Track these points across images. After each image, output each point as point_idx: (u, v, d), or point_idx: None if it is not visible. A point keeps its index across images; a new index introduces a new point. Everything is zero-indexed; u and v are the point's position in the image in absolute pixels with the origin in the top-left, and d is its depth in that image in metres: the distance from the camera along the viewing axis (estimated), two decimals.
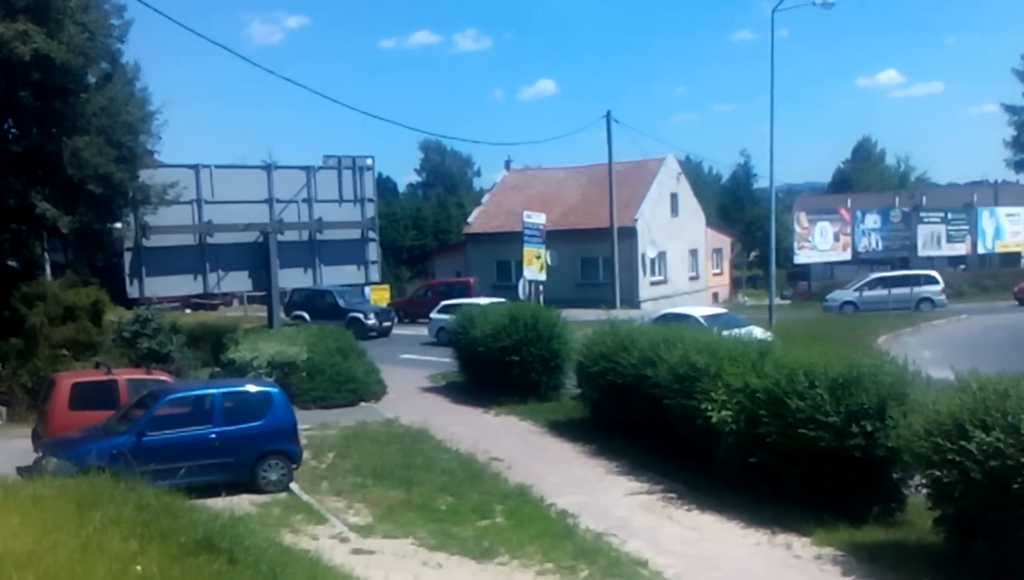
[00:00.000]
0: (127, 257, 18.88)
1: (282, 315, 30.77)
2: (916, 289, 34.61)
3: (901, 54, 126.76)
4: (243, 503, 11.44)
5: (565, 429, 15.95)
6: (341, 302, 30.01)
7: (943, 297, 34.53)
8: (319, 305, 29.99)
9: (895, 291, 34.60)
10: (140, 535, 7.24)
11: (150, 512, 8.25)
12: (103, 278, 20.94)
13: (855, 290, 34.80)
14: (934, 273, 36.11)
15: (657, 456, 13.49)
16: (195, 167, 19.65)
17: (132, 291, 19.04)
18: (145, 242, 18.77)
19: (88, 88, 17.71)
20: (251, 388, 13.25)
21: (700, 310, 23.44)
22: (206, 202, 19.49)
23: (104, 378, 13.93)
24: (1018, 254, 50.33)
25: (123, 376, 14.12)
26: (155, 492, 9.13)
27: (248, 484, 12.09)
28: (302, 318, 29.73)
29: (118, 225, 18.37)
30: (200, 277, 19.70)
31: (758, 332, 19.99)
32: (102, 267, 21.43)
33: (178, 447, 11.70)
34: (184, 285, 19.94)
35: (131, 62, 19.09)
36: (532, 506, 11.48)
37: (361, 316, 29.48)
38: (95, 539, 6.80)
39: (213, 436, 12.03)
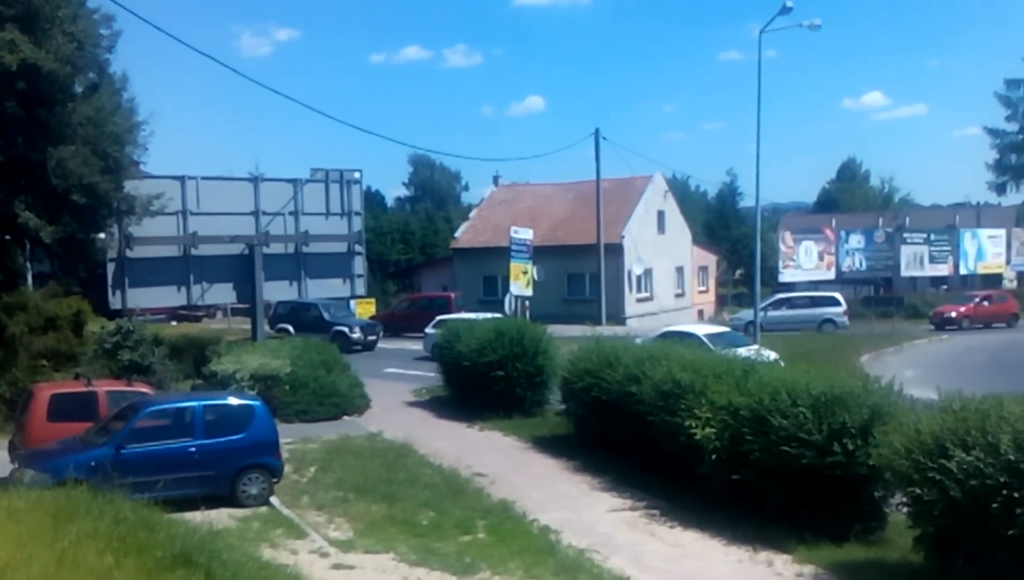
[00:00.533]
0: (110, 268, 18.74)
1: (266, 328, 30.59)
2: (819, 310, 34.76)
3: (886, 77, 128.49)
4: (222, 517, 11.34)
5: (549, 445, 15.92)
6: (326, 315, 29.84)
7: (845, 319, 34.64)
8: (304, 318, 29.81)
9: (799, 312, 34.91)
10: (116, 549, 7.17)
11: (127, 526, 8.17)
12: (86, 289, 20.78)
13: (760, 310, 34.50)
14: (837, 295, 36.34)
15: (641, 472, 13.49)
16: (181, 178, 19.57)
17: (115, 302, 18.88)
18: (129, 253, 18.64)
19: (75, 98, 17.62)
20: (233, 401, 13.16)
21: (703, 328, 23.18)
22: (191, 213, 19.39)
23: (83, 389, 13.78)
24: (999, 275, 50.90)
25: (103, 388, 13.95)
26: (132, 505, 9.05)
27: (228, 498, 11.98)
28: (286, 331, 29.43)
29: (102, 235, 18.24)
30: (184, 289, 19.56)
31: (765, 353, 19.97)
32: (85, 278, 21.27)
33: (157, 460, 11.58)
34: (168, 297, 19.79)
35: (119, 72, 19.02)
36: (515, 522, 11.45)
37: (346, 329, 29.33)
38: (70, 553, 6.72)
39: (193, 449, 11.93)
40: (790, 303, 35.97)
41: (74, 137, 17.01)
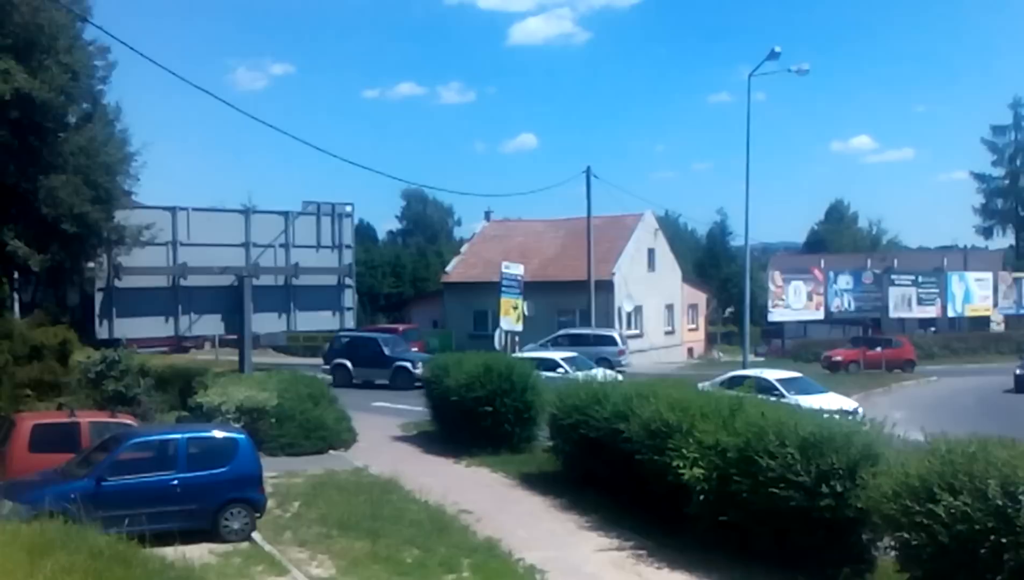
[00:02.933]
0: (98, 297, 18.63)
1: (322, 364, 29.55)
2: (597, 349, 33.32)
3: (874, 120, 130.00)
4: (203, 552, 11.20)
5: (536, 482, 15.79)
6: (387, 350, 29.07)
7: (620, 358, 33.70)
8: (363, 353, 28.91)
9: (580, 349, 32.82)
10: None
11: (103, 560, 8.06)
12: (73, 318, 20.63)
13: (541, 345, 33.67)
14: (615, 334, 35.21)
15: (628, 511, 13.38)
16: (172, 209, 19.55)
17: (101, 332, 18.73)
18: (117, 283, 18.56)
19: (68, 128, 17.69)
20: (217, 434, 13.01)
21: (775, 373, 22.81)
22: (181, 244, 19.32)
23: (66, 420, 13.64)
24: (987, 318, 51.19)
25: (86, 418, 13.82)
26: (109, 540, 8.93)
27: (209, 532, 11.80)
28: (343, 367, 28.63)
29: (90, 265, 18.17)
30: (172, 320, 19.43)
31: (842, 402, 20.51)
32: (72, 307, 21.14)
33: (138, 493, 11.41)
34: (155, 327, 19.64)
35: (112, 103, 19.11)
36: (500, 561, 11.30)
37: (408, 365, 28.40)
38: None
39: (175, 482, 11.77)
40: (571, 340, 34.36)
41: (66, 166, 17.04)
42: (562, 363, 24.79)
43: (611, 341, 33.96)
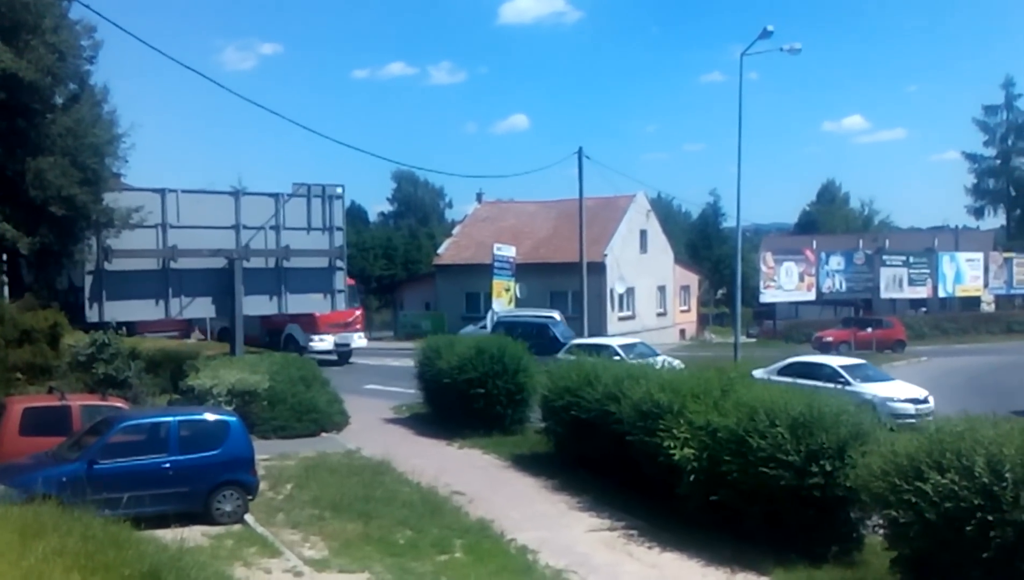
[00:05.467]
0: (88, 280, 18.55)
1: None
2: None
3: (866, 101, 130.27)
4: (195, 535, 11.16)
5: (528, 463, 15.85)
6: (557, 334, 28.11)
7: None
8: (529, 337, 25.92)
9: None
10: (84, 567, 7.05)
11: (95, 543, 8.04)
12: (64, 301, 20.52)
13: (480, 327, 32.09)
14: (556, 315, 32.11)
15: (620, 492, 13.46)
16: (161, 191, 19.44)
17: (92, 315, 18.65)
18: (107, 266, 18.47)
19: (55, 109, 17.51)
20: (209, 416, 12.99)
21: (839, 360, 21.58)
22: (171, 227, 19.24)
23: (57, 403, 13.55)
24: (977, 298, 51.47)
25: (77, 402, 13.74)
26: (101, 522, 8.90)
27: (202, 515, 11.79)
28: None
29: (80, 248, 18.06)
30: (162, 302, 19.39)
31: (911, 390, 19.67)
32: (62, 290, 21.02)
33: (130, 476, 11.39)
34: (145, 310, 19.56)
35: (100, 84, 18.94)
36: (492, 541, 11.36)
37: None
38: (37, 570, 6.59)
39: (167, 465, 11.75)
40: (508, 327, 32.82)
41: (53, 148, 16.89)
42: (618, 350, 23.31)
43: (553, 322, 31.51)
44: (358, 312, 30.93)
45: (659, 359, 20.17)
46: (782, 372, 20.34)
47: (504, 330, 28.21)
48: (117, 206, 17.89)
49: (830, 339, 37.07)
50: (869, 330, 37.03)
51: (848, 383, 19.26)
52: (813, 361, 21.49)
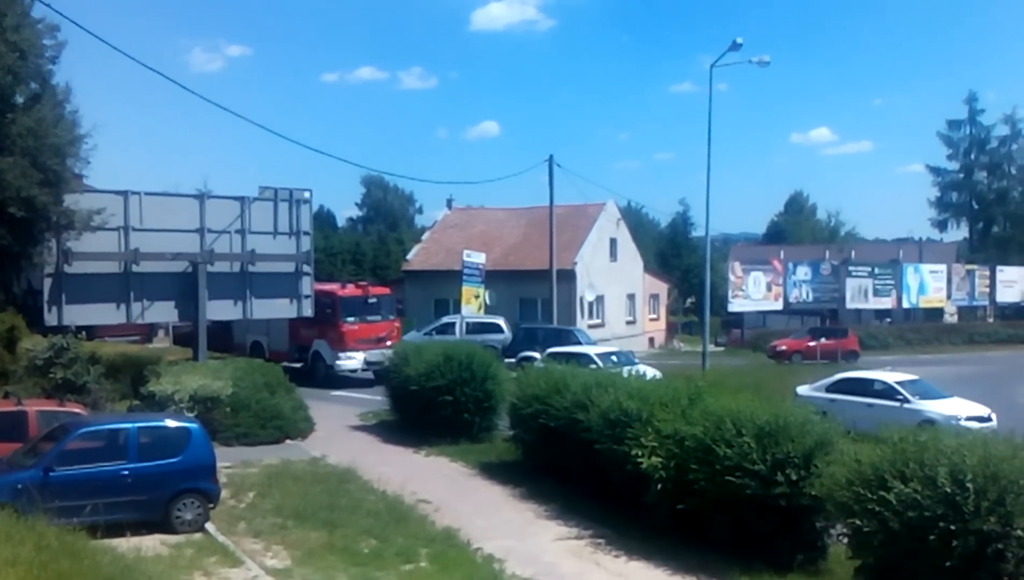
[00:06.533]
0: (47, 283, 18.14)
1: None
2: (483, 336, 29.71)
3: (833, 113, 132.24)
4: (155, 544, 11.00)
5: (496, 471, 15.77)
6: (583, 341, 27.78)
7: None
8: (556, 346, 25.98)
9: (467, 337, 30.00)
10: (37, 577, 6.91)
11: (49, 553, 7.86)
12: (21, 304, 20.05)
13: (425, 334, 31.45)
14: (501, 322, 32.51)
15: (588, 500, 13.44)
16: (124, 193, 19.07)
17: (50, 319, 18.23)
18: (67, 268, 18.09)
19: (15, 108, 17.08)
20: (169, 423, 12.76)
21: (894, 376, 20.01)
22: (134, 229, 18.87)
23: (13, 409, 13.29)
24: (941, 310, 52.33)
25: (33, 407, 13.49)
26: (56, 531, 8.71)
27: (161, 524, 11.59)
28: (529, 361, 23.88)
29: (39, 250, 17.65)
30: (123, 306, 19.00)
31: (973, 408, 18.39)
32: (20, 293, 20.53)
33: (88, 484, 11.16)
34: (106, 314, 19.14)
35: (62, 84, 18.49)
36: (458, 550, 11.27)
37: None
38: None
39: (126, 473, 11.52)
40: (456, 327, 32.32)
41: (13, 148, 16.48)
42: (596, 359, 22.75)
43: (498, 329, 31.93)
44: (395, 325, 27.95)
45: (640, 369, 19.35)
46: (831, 389, 19.47)
47: (525, 335, 29.16)
48: (78, 208, 17.51)
49: (784, 348, 37.43)
50: (822, 340, 37.39)
51: (907, 400, 18.37)
52: (864, 377, 20.37)
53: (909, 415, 16.64)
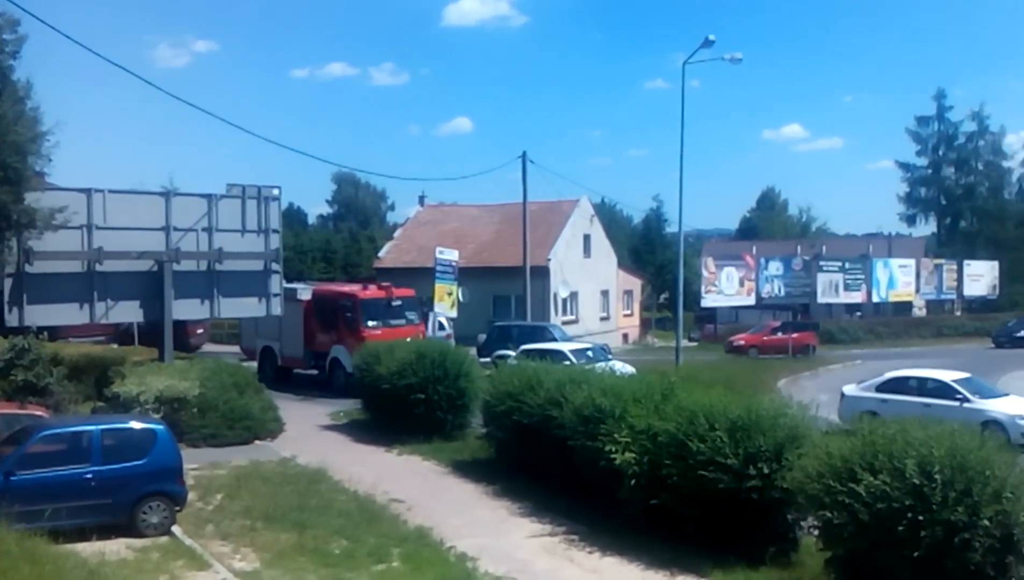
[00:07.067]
0: (7, 283, 17.74)
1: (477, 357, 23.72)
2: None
3: (804, 110, 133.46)
4: (120, 548, 10.81)
5: (469, 469, 15.67)
6: (557, 335, 27.29)
7: (450, 342, 30.17)
8: (530, 342, 25.53)
9: None
10: None
11: (9, 559, 7.75)
12: None
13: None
14: (443, 320, 30.97)
15: (561, 497, 13.40)
16: (87, 191, 18.70)
17: (11, 319, 17.82)
18: (28, 268, 17.71)
19: None
20: (134, 425, 12.51)
21: (948, 374, 18.96)
22: (97, 228, 18.50)
23: None
24: (909, 303, 53.08)
25: None
26: (17, 537, 8.56)
27: (127, 527, 11.37)
28: (503, 358, 23.05)
29: None
30: (87, 306, 18.64)
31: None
32: None
33: (50, 487, 10.92)
34: (69, 314, 18.75)
35: (23, 79, 18.09)
36: (431, 549, 11.17)
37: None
38: None
39: (89, 476, 11.30)
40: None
41: None
42: (569, 355, 22.23)
43: (440, 326, 30.73)
44: (421, 329, 25.69)
45: (613, 365, 19.29)
46: (881, 389, 18.66)
47: (502, 333, 28.68)
48: (40, 206, 17.13)
49: (742, 342, 37.73)
50: (778, 334, 37.68)
51: (966, 400, 17.53)
52: (917, 375, 19.33)
53: (971, 415, 15.79)
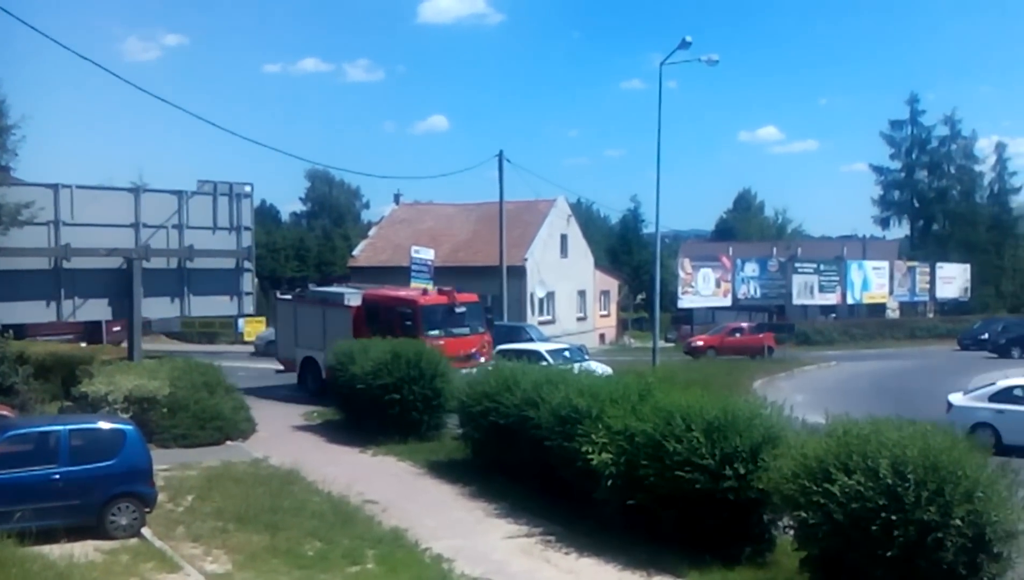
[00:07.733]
0: None
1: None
2: None
3: (780, 112, 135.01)
4: (88, 550, 10.58)
5: (445, 470, 15.56)
6: (534, 335, 27.31)
7: None
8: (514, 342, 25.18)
9: None
10: None
11: None
12: None
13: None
14: None
15: (538, 497, 13.32)
16: (54, 186, 18.38)
17: None
18: None
19: None
20: (103, 425, 12.29)
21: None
22: (64, 224, 18.20)
23: None
24: (883, 305, 53.73)
25: None
26: None
27: (95, 529, 11.17)
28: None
29: None
30: (54, 304, 18.32)
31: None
32: None
33: (16, 489, 10.73)
34: (35, 312, 18.44)
35: None
36: (406, 551, 11.04)
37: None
38: None
39: (57, 476, 11.08)
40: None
41: None
42: (546, 355, 21.84)
43: None
44: (486, 338, 23.67)
45: (590, 365, 19.02)
46: (996, 398, 17.18)
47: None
48: (5, 202, 16.84)
49: (700, 343, 38.02)
50: (736, 336, 38.08)
51: None
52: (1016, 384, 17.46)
53: None
